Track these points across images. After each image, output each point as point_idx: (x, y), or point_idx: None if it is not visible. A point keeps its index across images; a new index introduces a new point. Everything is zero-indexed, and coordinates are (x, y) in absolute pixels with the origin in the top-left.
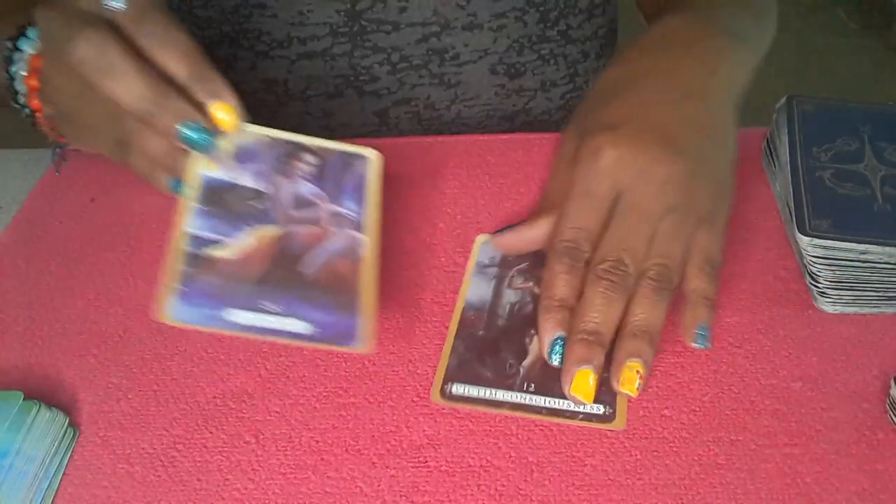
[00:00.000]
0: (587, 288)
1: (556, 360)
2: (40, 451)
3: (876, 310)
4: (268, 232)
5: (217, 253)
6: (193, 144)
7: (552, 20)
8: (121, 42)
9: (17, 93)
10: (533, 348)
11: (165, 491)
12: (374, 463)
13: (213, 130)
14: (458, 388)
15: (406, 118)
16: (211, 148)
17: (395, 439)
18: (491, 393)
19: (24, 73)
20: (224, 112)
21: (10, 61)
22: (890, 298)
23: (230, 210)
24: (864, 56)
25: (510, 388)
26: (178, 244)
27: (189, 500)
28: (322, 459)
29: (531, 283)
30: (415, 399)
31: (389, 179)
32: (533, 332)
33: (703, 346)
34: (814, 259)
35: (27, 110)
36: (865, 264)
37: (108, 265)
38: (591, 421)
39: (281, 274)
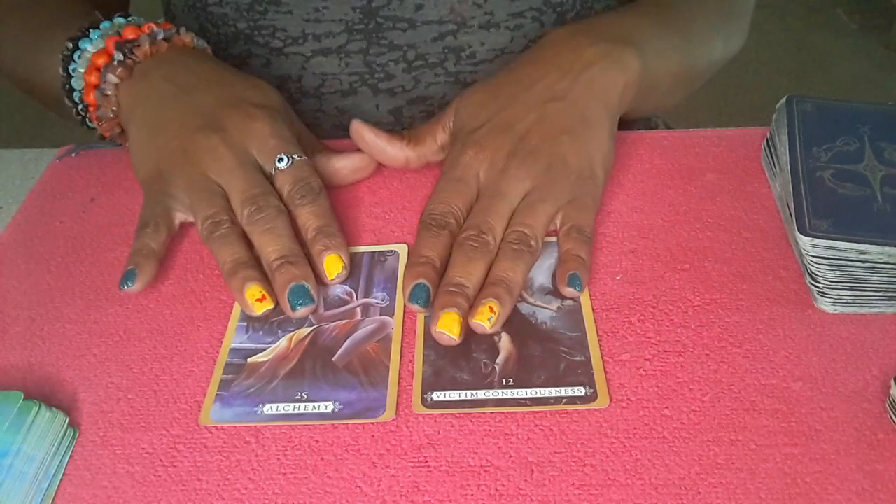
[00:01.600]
0: (453, 254)
1: (415, 305)
2: (40, 451)
3: (876, 310)
4: (301, 332)
5: (254, 359)
6: (293, 304)
7: (569, 22)
8: (286, 215)
9: (73, 90)
10: (503, 345)
11: (165, 491)
12: (374, 463)
13: (314, 296)
14: (438, 396)
15: (421, 117)
16: (295, 310)
17: (395, 439)
18: (472, 394)
19: (83, 70)
20: (334, 266)
21: (70, 60)
22: (890, 298)
23: (268, 321)
24: (864, 56)
25: (490, 386)
26: (222, 357)
27: (189, 500)
28: (322, 459)
29: None
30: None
31: (390, 178)
32: (500, 329)
33: (578, 290)
34: (814, 259)
35: (81, 105)
36: (865, 264)
37: (108, 265)
38: (575, 403)
39: (311, 365)
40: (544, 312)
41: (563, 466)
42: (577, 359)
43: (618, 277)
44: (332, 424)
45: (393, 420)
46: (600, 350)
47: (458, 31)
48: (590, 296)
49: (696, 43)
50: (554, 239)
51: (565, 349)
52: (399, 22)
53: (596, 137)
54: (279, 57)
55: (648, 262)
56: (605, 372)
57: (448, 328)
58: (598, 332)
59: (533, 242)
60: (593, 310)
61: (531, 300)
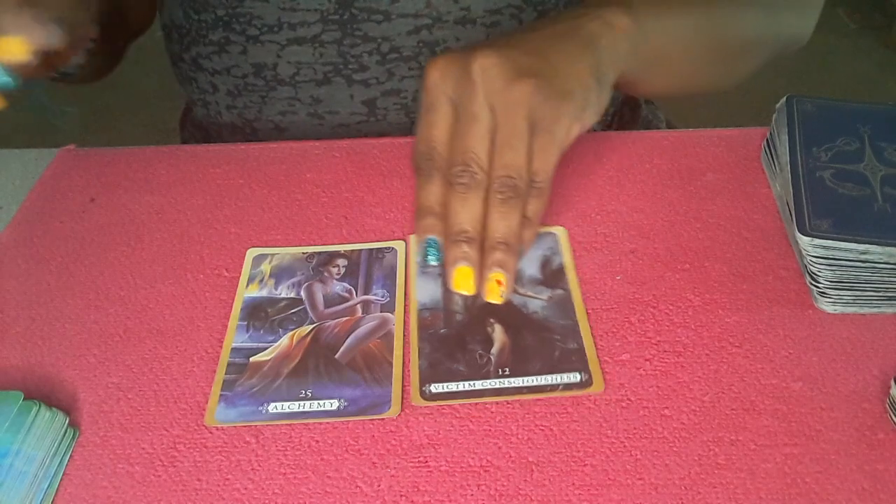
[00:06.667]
0: (448, 195)
1: (431, 261)
2: (40, 451)
3: (876, 310)
4: (302, 331)
5: (256, 358)
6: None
7: None
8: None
9: None
10: (497, 335)
11: (165, 491)
12: (374, 463)
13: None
14: (436, 388)
15: (394, 109)
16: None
17: (395, 439)
18: (469, 385)
19: None
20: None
21: None
22: (890, 298)
23: (269, 320)
24: (864, 56)
25: (486, 376)
26: (223, 357)
27: (189, 500)
28: (322, 459)
29: None
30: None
31: (385, 177)
32: (493, 320)
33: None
34: (814, 259)
35: None
36: (865, 264)
37: (108, 265)
38: (571, 390)
39: (314, 363)
40: (535, 302)
41: (563, 466)
42: (571, 346)
43: (618, 277)
44: (332, 424)
45: (393, 419)
46: (592, 337)
47: (433, 25)
48: (579, 286)
49: (725, 15)
50: (546, 229)
51: (558, 337)
52: (374, 14)
53: (569, 60)
54: (255, 45)
55: (648, 262)
56: (599, 360)
57: (466, 287)
58: (590, 325)
59: (520, 184)
60: (584, 299)
61: (522, 290)
